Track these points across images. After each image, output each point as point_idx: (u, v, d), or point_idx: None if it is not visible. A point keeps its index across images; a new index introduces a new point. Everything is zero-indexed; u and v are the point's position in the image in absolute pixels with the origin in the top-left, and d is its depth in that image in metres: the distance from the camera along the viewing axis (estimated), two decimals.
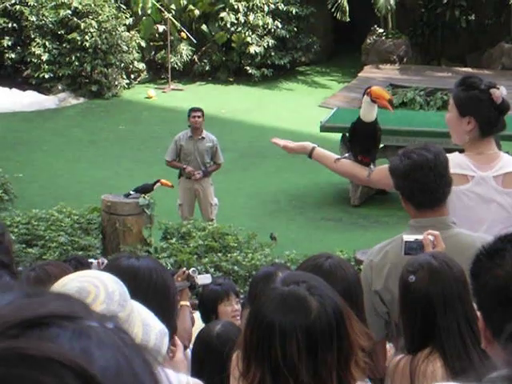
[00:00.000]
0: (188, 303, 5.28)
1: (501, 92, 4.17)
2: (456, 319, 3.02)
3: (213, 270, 9.42)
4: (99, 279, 2.29)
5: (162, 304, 2.69)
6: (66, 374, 0.80)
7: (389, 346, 4.05)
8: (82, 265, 5.99)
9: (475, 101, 4.17)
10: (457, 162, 4.06)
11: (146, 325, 2.34)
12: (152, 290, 2.72)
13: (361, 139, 4.66)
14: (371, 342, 2.41)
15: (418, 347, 3.05)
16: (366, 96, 4.59)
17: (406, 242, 3.50)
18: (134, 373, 0.85)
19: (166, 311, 2.65)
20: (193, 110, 12.17)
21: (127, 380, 0.84)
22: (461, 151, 4.24)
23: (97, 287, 2.25)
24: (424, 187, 3.67)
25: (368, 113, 4.64)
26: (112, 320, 0.89)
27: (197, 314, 5.79)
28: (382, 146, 13.74)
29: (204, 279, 5.77)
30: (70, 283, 2.26)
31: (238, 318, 5.41)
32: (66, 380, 0.80)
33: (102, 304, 2.21)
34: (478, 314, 2.08)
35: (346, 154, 4.69)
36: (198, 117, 11.96)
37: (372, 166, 4.57)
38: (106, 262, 6.74)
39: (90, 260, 6.37)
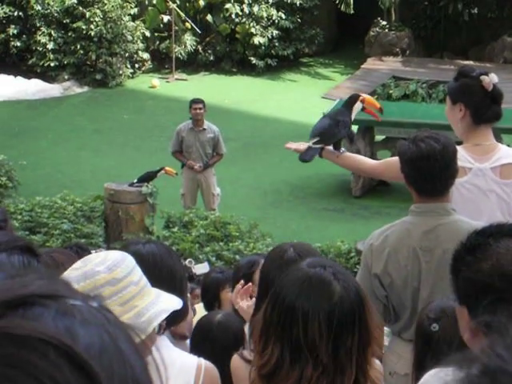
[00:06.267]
0: (188, 294, 5.32)
1: (491, 79, 4.15)
2: None
3: (214, 259, 9.43)
4: (104, 252, 2.46)
5: (169, 289, 2.67)
6: (50, 351, 0.80)
7: (386, 330, 4.12)
8: (83, 251, 6.06)
9: (465, 87, 4.19)
10: None
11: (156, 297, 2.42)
12: (157, 277, 2.70)
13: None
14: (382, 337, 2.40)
15: None
16: (359, 102, 4.81)
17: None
18: (118, 350, 0.85)
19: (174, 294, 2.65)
20: (194, 101, 11.86)
21: (112, 357, 0.84)
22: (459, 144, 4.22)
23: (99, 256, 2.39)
24: (427, 176, 3.70)
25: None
26: (96, 299, 0.90)
27: (200, 305, 5.77)
28: (384, 137, 13.82)
29: (201, 268, 5.74)
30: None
31: None
32: (51, 358, 0.80)
33: (100, 265, 2.30)
34: (460, 307, 2.06)
35: (342, 149, 4.75)
36: (200, 108, 11.69)
37: (342, 149, 4.72)
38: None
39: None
